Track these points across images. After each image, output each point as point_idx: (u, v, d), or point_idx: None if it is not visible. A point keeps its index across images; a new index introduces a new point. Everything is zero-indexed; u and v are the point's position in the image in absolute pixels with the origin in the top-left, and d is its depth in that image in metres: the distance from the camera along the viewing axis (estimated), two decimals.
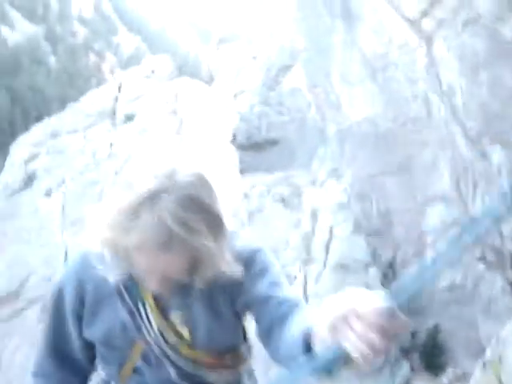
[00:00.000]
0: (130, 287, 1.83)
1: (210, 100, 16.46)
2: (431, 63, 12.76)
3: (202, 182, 1.68)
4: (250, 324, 1.88)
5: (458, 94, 11.98)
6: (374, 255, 11.74)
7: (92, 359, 2.00)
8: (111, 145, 16.34)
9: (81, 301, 1.88)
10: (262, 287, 1.79)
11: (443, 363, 10.85)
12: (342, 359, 1.22)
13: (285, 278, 1.88)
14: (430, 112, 12.84)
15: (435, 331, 11.00)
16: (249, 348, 1.97)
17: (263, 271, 1.83)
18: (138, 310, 1.84)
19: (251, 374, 1.86)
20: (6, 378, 14.69)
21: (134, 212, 1.57)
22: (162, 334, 1.82)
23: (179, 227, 1.56)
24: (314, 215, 11.93)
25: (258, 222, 12.46)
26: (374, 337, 1.18)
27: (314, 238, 11.55)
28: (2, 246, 16.71)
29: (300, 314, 1.60)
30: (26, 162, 17.37)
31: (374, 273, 11.30)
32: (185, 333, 1.83)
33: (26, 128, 18.34)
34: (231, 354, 1.92)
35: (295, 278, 11.13)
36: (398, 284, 1.22)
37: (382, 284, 11.17)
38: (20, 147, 17.78)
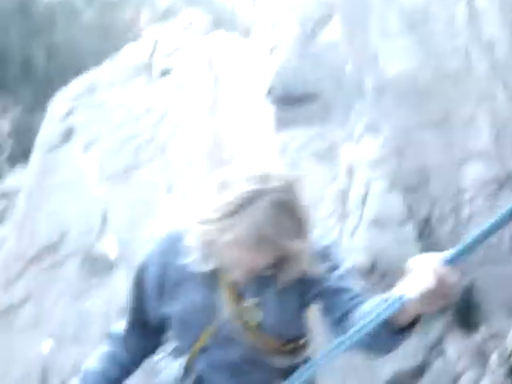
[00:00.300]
0: (209, 273, 1.94)
1: (246, 54, 16.32)
2: (471, 16, 12.44)
3: (293, 187, 1.81)
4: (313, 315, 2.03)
5: (498, 48, 11.68)
6: (410, 211, 11.66)
7: (164, 331, 2.15)
8: (148, 99, 16.36)
9: (162, 280, 2.02)
10: (334, 280, 1.91)
11: (477, 321, 10.84)
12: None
13: (354, 272, 2.01)
14: (470, 66, 12.58)
15: (470, 289, 10.96)
16: (310, 338, 2.07)
17: (335, 266, 1.95)
18: (215, 293, 1.97)
19: (307, 360, 1.95)
20: (47, 328, 15.13)
21: (231, 213, 1.70)
22: (234, 318, 1.95)
23: (272, 230, 1.71)
24: (350, 170, 11.86)
25: None
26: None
27: (350, 193, 11.51)
28: (42, 200, 17.01)
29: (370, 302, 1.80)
30: (64, 117, 17.52)
31: (409, 229, 11.24)
32: (256, 319, 1.95)
33: (64, 83, 18.42)
34: (295, 341, 2.03)
35: (330, 233, 11.14)
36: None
37: (418, 240, 11.12)
38: (58, 103, 17.91)
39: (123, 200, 15.33)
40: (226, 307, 1.96)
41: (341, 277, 1.93)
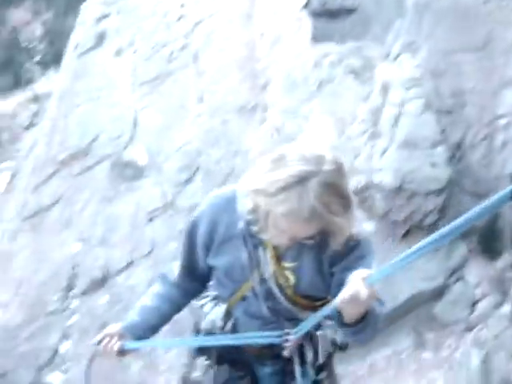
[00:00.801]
0: (255, 234, 2.28)
1: None
2: None
3: (342, 170, 2.11)
4: None
5: None
6: (443, 134, 11.49)
7: (209, 278, 2.57)
8: (182, 6, 16.05)
9: (211, 236, 2.37)
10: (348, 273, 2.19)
11: (499, 249, 10.82)
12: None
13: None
14: None
15: (495, 216, 10.89)
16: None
17: (362, 258, 2.32)
18: (258, 253, 2.32)
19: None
20: (76, 230, 15.48)
21: (287, 188, 1.98)
22: (273, 277, 2.32)
23: (321, 207, 2.01)
24: (385, 89, 11.62)
25: (327, 93, 12.26)
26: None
27: (383, 112, 11.33)
28: (73, 104, 17.07)
29: None
30: (97, 21, 17.32)
31: (441, 152, 11.10)
32: (292, 279, 2.34)
33: None
34: (322, 301, 2.40)
35: (361, 151, 11.06)
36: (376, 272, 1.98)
37: (448, 164, 11.00)
38: (91, 6, 17.67)
39: (154, 107, 15.34)
40: (267, 266, 2.31)
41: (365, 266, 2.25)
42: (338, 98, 11.92)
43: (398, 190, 10.47)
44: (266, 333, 2.35)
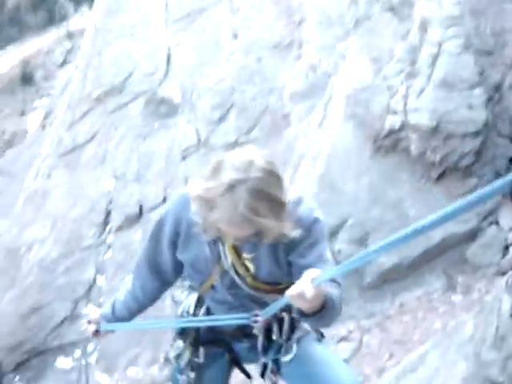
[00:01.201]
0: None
1: None
2: None
3: (271, 175, 2.20)
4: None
5: None
6: (482, 76, 11.21)
7: (178, 273, 2.77)
8: None
9: (176, 233, 2.57)
10: (310, 258, 2.41)
11: None
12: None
13: (330, 253, 2.51)
14: None
15: None
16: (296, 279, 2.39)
17: (315, 243, 2.44)
18: (218, 247, 2.50)
19: None
20: (111, 166, 15.65)
21: (217, 195, 2.11)
22: (234, 267, 2.51)
23: (249, 213, 2.11)
24: (423, 27, 11.31)
25: (364, 30, 12.00)
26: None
27: (421, 51, 11.06)
28: (107, 41, 17.01)
29: None
30: None
31: (478, 94, 10.85)
32: (252, 268, 2.51)
33: None
34: (283, 284, 2.48)
35: (397, 91, 10.88)
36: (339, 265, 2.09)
37: (486, 106, 10.77)
38: None
39: (188, 44, 15.21)
40: (228, 259, 2.51)
41: (317, 257, 2.42)
42: (375, 36, 11.67)
43: (434, 131, 10.31)
44: (237, 315, 2.54)
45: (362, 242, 10.27)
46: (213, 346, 2.82)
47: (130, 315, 3.03)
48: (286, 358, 2.68)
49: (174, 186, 13.94)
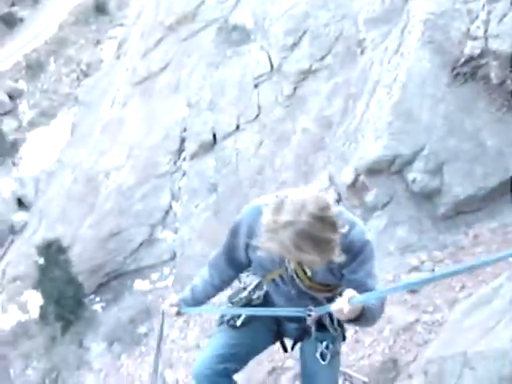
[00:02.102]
0: None
1: None
2: None
3: (319, 220, 2.57)
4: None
5: None
6: None
7: (248, 266, 3.26)
8: None
9: (250, 236, 2.98)
10: (360, 274, 2.92)
11: None
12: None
13: (377, 269, 2.98)
14: None
15: None
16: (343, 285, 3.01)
17: (365, 262, 2.91)
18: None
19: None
20: (185, 94, 15.75)
21: (271, 231, 2.60)
22: (295, 271, 3.03)
23: (293, 249, 2.59)
24: None
25: None
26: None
27: None
28: None
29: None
30: None
31: None
32: (309, 273, 3.00)
33: None
34: (332, 286, 3.08)
35: (477, 16, 10.39)
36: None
37: None
38: None
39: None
40: (291, 264, 3.01)
41: (367, 274, 2.92)
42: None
43: None
44: (295, 308, 3.10)
45: (436, 172, 10.09)
46: (263, 322, 3.43)
47: (207, 298, 3.57)
48: (332, 347, 3.38)
49: (246, 114, 13.96)
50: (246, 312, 3.37)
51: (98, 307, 14.05)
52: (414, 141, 10.30)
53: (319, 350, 3.37)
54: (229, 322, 3.45)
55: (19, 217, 18.22)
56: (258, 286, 3.42)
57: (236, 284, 3.55)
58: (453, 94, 10.17)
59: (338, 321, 3.27)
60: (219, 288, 3.56)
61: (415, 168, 10.25)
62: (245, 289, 3.46)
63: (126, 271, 14.46)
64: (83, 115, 21.65)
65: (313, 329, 3.31)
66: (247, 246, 3.13)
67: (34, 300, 14.19)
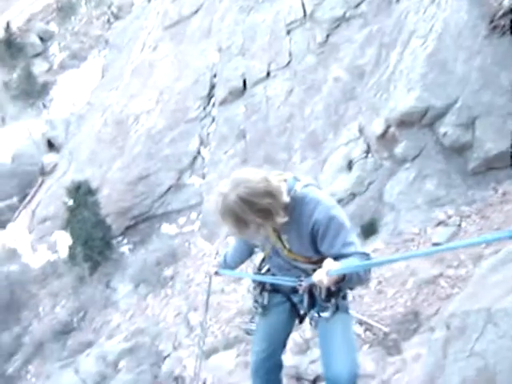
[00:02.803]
0: None
1: None
2: None
3: (256, 190, 3.07)
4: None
5: None
6: None
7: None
8: None
9: None
10: (336, 247, 3.26)
11: None
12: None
13: (354, 235, 3.33)
14: None
15: None
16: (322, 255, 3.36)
17: (337, 235, 3.25)
18: (266, 231, 3.39)
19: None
20: (216, 39, 15.60)
21: (216, 205, 3.14)
22: (276, 244, 3.51)
23: (239, 214, 3.11)
24: None
25: None
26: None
27: None
28: None
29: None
30: None
31: None
32: (287, 245, 3.46)
33: None
34: (314, 258, 3.45)
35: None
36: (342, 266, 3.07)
37: None
38: None
39: None
40: (271, 239, 3.49)
41: (343, 245, 3.25)
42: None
43: None
44: (288, 278, 3.58)
45: (468, 126, 9.95)
46: (276, 292, 3.90)
47: (236, 265, 4.28)
48: (323, 315, 3.60)
49: (278, 61, 13.81)
50: (259, 278, 3.92)
51: (125, 249, 14.30)
52: (447, 93, 10.13)
53: (315, 316, 3.65)
54: (257, 303, 3.95)
55: (49, 158, 18.42)
56: (263, 260, 3.92)
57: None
58: (489, 47, 9.94)
59: (329, 290, 3.56)
60: (242, 259, 4.25)
61: (447, 121, 10.11)
62: (255, 265, 4.02)
63: (154, 215, 14.63)
64: (113, 58, 21.61)
65: (305, 298, 3.70)
66: None
67: (63, 240, 14.47)
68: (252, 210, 3.09)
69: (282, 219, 3.19)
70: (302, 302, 3.72)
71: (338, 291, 3.55)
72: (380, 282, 10.01)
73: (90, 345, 11.74)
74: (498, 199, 9.73)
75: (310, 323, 3.69)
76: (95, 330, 12.25)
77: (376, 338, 9.19)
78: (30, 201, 17.31)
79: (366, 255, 3.27)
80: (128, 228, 14.67)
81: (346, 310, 3.64)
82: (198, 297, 11.69)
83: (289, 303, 3.87)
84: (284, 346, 3.99)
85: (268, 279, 3.83)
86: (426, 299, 9.22)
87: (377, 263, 4.42)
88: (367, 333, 9.39)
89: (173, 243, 13.64)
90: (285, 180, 3.31)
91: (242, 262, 4.28)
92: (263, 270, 3.93)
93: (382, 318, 9.46)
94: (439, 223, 10.04)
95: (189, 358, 10.31)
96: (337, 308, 3.57)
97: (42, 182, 17.81)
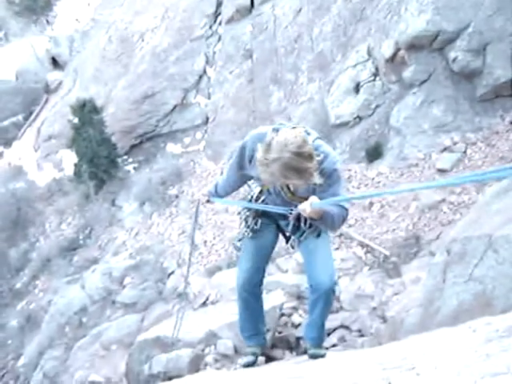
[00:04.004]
0: None
1: None
2: None
3: (299, 155, 3.46)
4: None
5: None
6: None
7: (251, 177, 4.30)
8: None
9: (251, 156, 3.96)
10: (328, 192, 3.79)
11: None
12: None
13: (343, 190, 3.94)
14: None
15: None
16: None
17: (333, 184, 3.80)
18: None
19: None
20: None
21: (264, 165, 3.50)
22: (281, 187, 4.00)
23: (281, 178, 3.53)
24: None
25: None
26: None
27: None
28: None
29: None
30: None
31: None
32: (292, 189, 3.97)
33: None
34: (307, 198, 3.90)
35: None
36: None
37: None
38: None
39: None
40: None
41: (334, 194, 3.83)
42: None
43: None
44: (282, 207, 4.10)
45: (479, 52, 9.82)
46: (266, 218, 4.46)
47: (226, 194, 4.71)
48: (302, 238, 4.26)
49: None
50: (254, 206, 4.42)
51: (130, 168, 14.37)
52: (459, 18, 9.94)
53: (298, 240, 4.33)
54: (249, 227, 4.49)
55: (54, 76, 18.21)
56: (260, 192, 4.38)
57: (246, 188, 4.62)
58: None
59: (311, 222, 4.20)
60: (233, 189, 4.66)
61: (457, 46, 9.96)
62: (252, 192, 4.48)
63: (159, 134, 14.63)
64: None
65: (291, 223, 4.24)
66: (250, 163, 4.05)
67: (69, 158, 14.54)
68: (307, 160, 3.51)
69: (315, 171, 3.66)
70: (287, 225, 4.32)
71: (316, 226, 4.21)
72: (383, 206, 10.11)
73: (95, 261, 11.99)
74: (505, 127, 9.70)
75: (291, 245, 4.47)
76: (101, 246, 12.47)
77: (376, 260, 9.38)
78: (35, 119, 17.24)
79: (346, 209, 3.94)
80: (133, 147, 14.69)
81: (326, 232, 4.35)
82: (202, 216, 11.86)
83: (275, 225, 4.50)
84: (267, 262, 4.73)
85: (263, 207, 4.35)
86: (427, 224, 9.35)
87: (354, 198, 5.49)
88: (368, 255, 9.57)
89: (177, 162, 13.70)
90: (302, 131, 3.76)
91: (232, 192, 4.77)
92: (259, 201, 4.41)
93: (383, 241, 9.63)
94: (444, 149, 10.06)
95: (193, 275, 10.55)
96: (318, 233, 4.28)
97: (47, 99, 17.69)
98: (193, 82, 14.76)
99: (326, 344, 7.48)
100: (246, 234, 4.51)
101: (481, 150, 9.66)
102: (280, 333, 6.72)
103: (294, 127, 3.76)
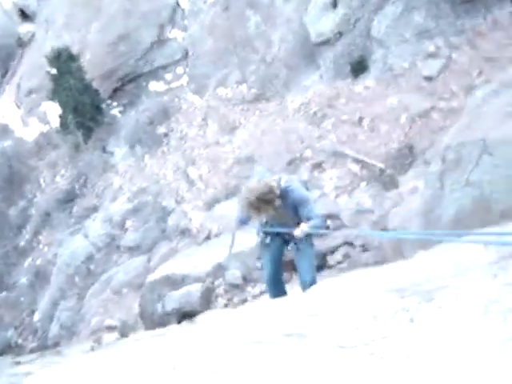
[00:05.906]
0: None
1: None
2: None
3: (266, 193, 5.35)
4: None
5: None
6: None
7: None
8: None
9: (246, 219, 6.17)
10: (305, 210, 5.47)
11: None
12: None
13: (313, 205, 5.90)
14: None
15: None
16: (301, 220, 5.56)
17: (304, 205, 5.49)
18: None
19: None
20: None
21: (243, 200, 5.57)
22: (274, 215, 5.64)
23: (254, 208, 5.46)
24: None
25: None
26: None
27: None
28: None
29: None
30: None
31: None
32: (277, 214, 5.52)
33: None
34: (295, 220, 5.54)
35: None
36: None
37: None
38: None
39: None
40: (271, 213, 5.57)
41: (306, 210, 5.49)
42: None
43: None
44: (287, 229, 5.56)
45: None
46: (273, 234, 5.88)
47: (246, 223, 6.10)
48: (299, 246, 5.74)
49: None
50: (270, 230, 5.83)
51: (116, 112, 14.22)
52: None
53: (295, 246, 5.82)
54: (262, 243, 5.98)
55: (25, 28, 17.72)
56: (265, 223, 5.84)
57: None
58: None
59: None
60: (249, 220, 6.05)
61: None
62: (261, 223, 5.95)
63: (140, 74, 14.41)
64: None
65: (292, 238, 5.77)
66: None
67: (53, 111, 14.33)
68: (264, 202, 5.29)
69: (277, 203, 5.39)
70: (289, 240, 5.79)
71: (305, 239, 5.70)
72: (372, 120, 10.08)
73: (95, 209, 12.04)
74: (488, 27, 9.56)
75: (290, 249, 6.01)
76: (98, 194, 12.49)
77: (372, 174, 9.42)
78: (12, 74, 16.91)
79: (321, 216, 5.79)
80: (116, 90, 14.49)
81: (312, 244, 5.88)
82: (194, 151, 11.82)
83: (281, 239, 5.91)
84: (281, 264, 6.14)
85: (275, 229, 5.84)
86: (419, 132, 9.35)
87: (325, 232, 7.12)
88: (363, 171, 9.60)
89: (162, 100, 13.55)
90: (274, 179, 5.47)
91: (250, 220, 6.11)
92: (268, 224, 5.85)
93: (376, 154, 9.64)
94: (429, 56, 9.95)
95: (192, 210, 10.62)
96: (307, 245, 5.76)
97: (22, 53, 17.30)
98: (167, 17, 14.44)
99: (330, 261, 7.67)
100: (261, 247, 6.08)
101: (466, 53, 9.55)
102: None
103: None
